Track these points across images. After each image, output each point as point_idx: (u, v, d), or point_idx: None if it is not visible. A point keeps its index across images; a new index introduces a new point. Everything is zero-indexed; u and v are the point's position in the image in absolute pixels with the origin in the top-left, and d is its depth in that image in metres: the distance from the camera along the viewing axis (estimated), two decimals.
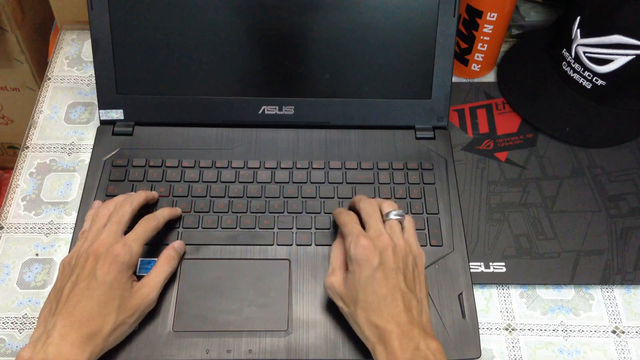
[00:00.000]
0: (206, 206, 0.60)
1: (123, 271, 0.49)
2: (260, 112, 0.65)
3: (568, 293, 0.59)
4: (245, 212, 0.60)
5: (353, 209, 0.56)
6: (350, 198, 0.61)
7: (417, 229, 0.59)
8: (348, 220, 0.52)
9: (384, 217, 0.53)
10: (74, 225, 0.59)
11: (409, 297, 0.47)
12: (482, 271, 0.59)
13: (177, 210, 0.58)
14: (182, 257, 0.56)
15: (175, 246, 0.55)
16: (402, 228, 0.52)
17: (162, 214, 0.55)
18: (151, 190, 0.60)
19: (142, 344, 0.52)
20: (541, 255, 0.60)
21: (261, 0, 0.61)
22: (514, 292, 0.59)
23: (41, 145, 0.68)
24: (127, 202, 0.54)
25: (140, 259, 0.56)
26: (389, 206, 0.54)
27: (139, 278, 0.52)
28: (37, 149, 0.67)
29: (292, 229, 0.59)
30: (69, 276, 0.49)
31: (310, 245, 0.58)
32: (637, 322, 0.57)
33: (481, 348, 0.53)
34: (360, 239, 0.49)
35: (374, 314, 0.47)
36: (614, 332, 0.57)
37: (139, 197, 0.55)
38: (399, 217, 0.52)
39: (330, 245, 0.58)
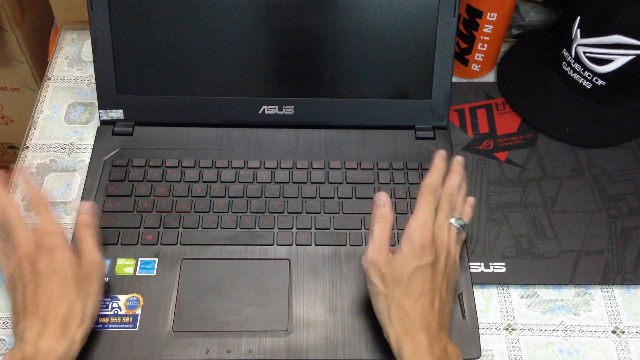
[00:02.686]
0: (206, 206, 0.60)
1: (60, 253, 0.49)
2: (260, 112, 0.65)
3: (568, 293, 0.59)
4: (245, 212, 0.60)
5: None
6: (351, 198, 0.61)
7: None
8: (430, 201, 0.51)
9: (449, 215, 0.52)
10: (74, 225, 0.59)
11: (444, 302, 0.48)
12: (482, 271, 0.59)
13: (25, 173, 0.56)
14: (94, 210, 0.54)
15: (81, 210, 0.53)
16: (458, 238, 0.52)
17: (33, 192, 0.53)
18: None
19: (142, 344, 0.52)
20: (541, 255, 0.60)
21: (261, 0, 0.61)
22: (514, 292, 0.59)
23: (41, 145, 0.68)
24: (2, 205, 0.51)
25: (140, 259, 0.56)
26: (457, 211, 0.53)
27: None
28: (37, 149, 0.67)
29: (292, 229, 0.59)
30: (16, 290, 0.49)
31: (310, 245, 0.58)
32: (637, 322, 0.57)
33: (481, 348, 0.53)
34: (429, 229, 0.49)
35: (410, 303, 0.47)
36: (614, 332, 0.57)
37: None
38: (460, 228, 0.52)
39: (330, 245, 0.58)
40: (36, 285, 0.48)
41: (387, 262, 0.48)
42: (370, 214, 0.59)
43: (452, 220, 0.51)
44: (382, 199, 0.51)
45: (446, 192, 0.52)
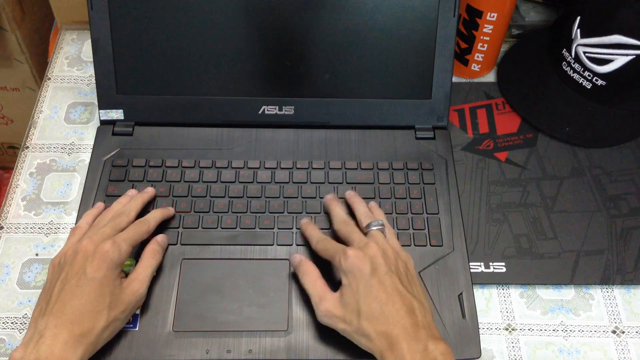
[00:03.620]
0: (206, 206, 0.60)
1: (112, 269, 0.49)
2: (260, 112, 0.65)
3: (568, 293, 0.59)
4: (245, 212, 0.60)
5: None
6: None
7: (417, 229, 0.59)
8: (327, 244, 0.52)
9: (364, 230, 0.53)
10: (73, 225, 0.59)
11: (409, 299, 0.47)
12: (482, 271, 0.59)
13: (169, 211, 0.58)
14: (165, 251, 0.56)
15: (158, 240, 0.55)
16: (384, 236, 0.53)
17: (153, 217, 0.56)
18: (150, 189, 0.60)
19: (142, 344, 0.52)
20: (541, 255, 0.60)
21: (261, 0, 0.61)
22: (514, 292, 0.59)
23: (41, 145, 0.68)
24: (124, 214, 0.54)
25: None
26: (366, 218, 0.54)
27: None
28: (37, 149, 0.67)
29: (292, 229, 0.59)
30: (57, 275, 0.49)
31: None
32: (637, 322, 0.57)
33: (481, 348, 0.53)
34: (348, 251, 0.49)
35: (379, 322, 0.46)
36: (614, 332, 0.57)
37: (136, 206, 0.56)
38: (379, 227, 0.53)
39: None
40: (76, 284, 0.48)
41: (336, 303, 0.49)
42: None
43: (370, 227, 0.53)
44: (296, 258, 0.53)
45: (337, 222, 0.55)
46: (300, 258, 0.53)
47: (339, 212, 0.56)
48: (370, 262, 0.48)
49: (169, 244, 0.57)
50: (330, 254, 0.51)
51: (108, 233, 0.51)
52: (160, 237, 0.56)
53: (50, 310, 0.47)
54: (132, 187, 0.61)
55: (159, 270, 0.56)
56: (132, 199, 0.57)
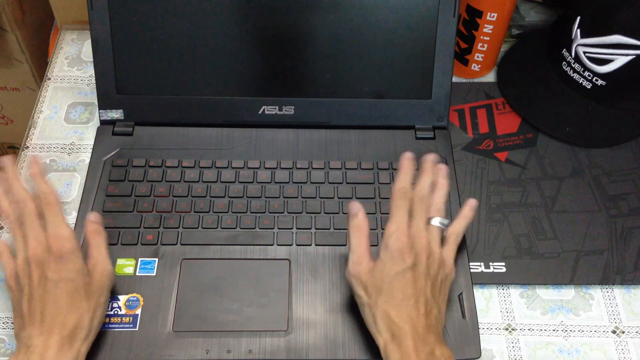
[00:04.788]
0: (206, 206, 0.60)
1: (72, 260, 0.48)
2: (260, 112, 0.65)
3: (568, 293, 0.59)
4: (245, 212, 0.60)
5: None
6: (350, 198, 0.61)
7: None
8: (402, 205, 0.50)
9: (428, 220, 0.51)
10: (74, 225, 0.59)
11: (431, 304, 0.48)
12: (482, 271, 0.59)
13: (37, 158, 0.53)
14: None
15: (91, 219, 0.52)
16: (443, 238, 0.52)
17: (38, 184, 0.51)
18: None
19: (142, 344, 0.52)
20: (541, 255, 0.60)
21: (261, 0, 0.61)
22: (514, 292, 0.59)
23: (41, 145, 0.68)
24: (22, 201, 0.50)
25: (140, 259, 0.56)
26: (436, 211, 0.52)
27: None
28: (37, 149, 0.67)
29: (292, 229, 0.59)
30: (21, 292, 0.48)
31: (310, 245, 0.58)
32: (637, 322, 0.57)
33: (481, 348, 0.53)
34: (403, 233, 0.48)
35: (394, 309, 0.46)
36: (614, 332, 0.57)
37: (18, 187, 0.51)
38: (442, 227, 0.51)
39: (330, 245, 0.58)
40: (44, 291, 0.47)
41: (367, 271, 0.49)
42: (369, 214, 0.60)
43: (433, 221, 0.51)
44: (355, 208, 0.51)
45: (417, 194, 0.51)
46: (359, 209, 0.51)
47: (408, 180, 0.51)
48: (415, 257, 0.48)
49: (168, 244, 0.58)
50: (393, 217, 0.49)
51: (38, 230, 0.49)
52: (92, 215, 0.53)
53: (30, 323, 0.46)
54: (132, 187, 0.61)
55: (159, 270, 0.56)
56: (4, 182, 0.52)
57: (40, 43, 0.96)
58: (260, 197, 0.61)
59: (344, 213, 0.60)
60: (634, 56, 0.62)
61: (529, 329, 0.57)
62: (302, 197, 0.61)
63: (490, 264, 0.59)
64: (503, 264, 0.59)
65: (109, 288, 0.50)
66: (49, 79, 0.74)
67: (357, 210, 0.51)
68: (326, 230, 0.59)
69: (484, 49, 0.70)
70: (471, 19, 0.67)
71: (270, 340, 0.53)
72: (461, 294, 0.55)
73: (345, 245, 0.58)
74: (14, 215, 0.51)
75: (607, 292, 0.59)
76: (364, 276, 0.49)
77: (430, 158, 0.54)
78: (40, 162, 0.52)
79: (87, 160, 0.65)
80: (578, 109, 0.67)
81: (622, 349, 0.56)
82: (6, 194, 0.52)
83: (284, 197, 0.61)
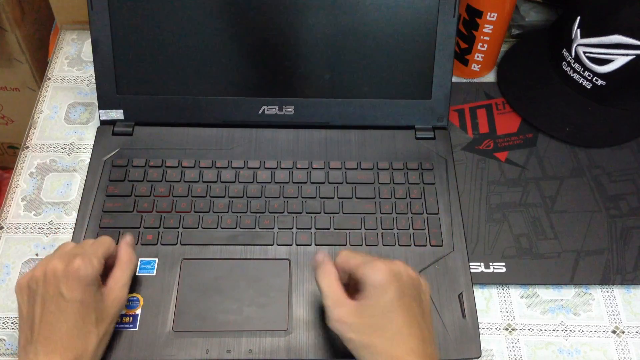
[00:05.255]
0: (206, 206, 0.60)
1: (89, 284, 0.47)
2: (260, 112, 0.65)
3: (568, 293, 0.59)
4: (245, 212, 0.60)
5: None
6: (350, 198, 0.61)
7: (417, 229, 0.59)
8: (352, 254, 0.49)
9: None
10: (74, 225, 0.59)
11: (423, 327, 0.46)
12: (482, 271, 0.59)
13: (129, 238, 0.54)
14: (134, 248, 0.54)
15: (127, 241, 0.53)
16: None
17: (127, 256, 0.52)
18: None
19: (142, 344, 0.52)
20: (541, 255, 0.60)
21: (262, 1, 0.61)
22: (514, 292, 0.59)
23: (41, 145, 0.68)
24: (92, 253, 0.50)
25: (140, 259, 0.56)
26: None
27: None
28: (37, 149, 0.67)
29: (292, 229, 0.59)
30: (33, 299, 0.47)
31: (310, 245, 0.58)
32: (637, 322, 0.57)
33: (481, 348, 0.53)
34: (378, 263, 0.46)
35: (393, 343, 0.44)
36: (614, 332, 0.57)
37: (102, 249, 0.51)
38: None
39: (330, 245, 0.58)
40: (57, 307, 0.46)
41: (353, 313, 0.46)
42: (369, 214, 0.60)
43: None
44: (319, 256, 0.49)
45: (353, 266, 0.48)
46: (324, 257, 0.49)
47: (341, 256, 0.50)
48: (398, 282, 0.46)
49: (168, 244, 0.58)
50: (354, 263, 0.47)
51: (75, 251, 0.48)
52: (127, 237, 0.53)
53: (37, 338, 0.45)
54: (132, 187, 0.61)
55: (159, 270, 0.56)
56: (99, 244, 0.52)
57: (40, 43, 0.96)
58: (260, 197, 0.61)
59: (344, 213, 0.60)
60: (634, 56, 0.62)
61: (529, 329, 0.57)
62: (302, 197, 0.61)
63: (490, 264, 0.59)
64: (503, 264, 0.59)
65: (117, 316, 0.50)
66: (49, 79, 0.74)
67: (321, 259, 0.49)
68: (326, 230, 0.59)
69: (484, 49, 0.70)
70: (471, 19, 0.67)
71: (270, 340, 0.53)
72: (461, 293, 0.55)
73: (345, 245, 0.58)
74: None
75: (607, 292, 0.59)
76: (349, 318, 0.45)
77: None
78: (132, 240, 0.54)
79: (87, 160, 0.65)
80: (578, 109, 0.67)
81: (622, 349, 0.56)
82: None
83: (284, 197, 0.61)
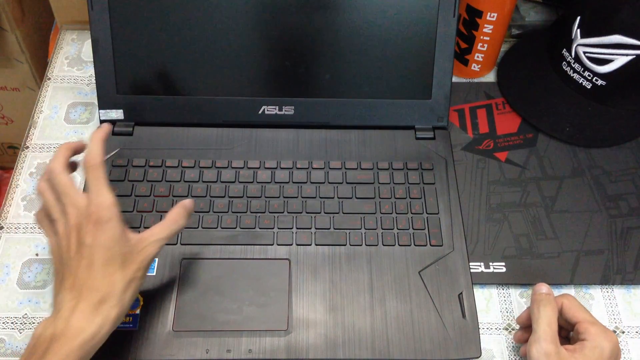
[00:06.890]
0: (206, 206, 0.60)
1: (110, 228, 0.46)
2: (260, 112, 0.65)
3: (568, 293, 0.59)
4: (245, 212, 0.60)
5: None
6: (351, 198, 0.61)
7: (417, 229, 0.59)
8: (578, 305, 0.52)
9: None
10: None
11: None
12: (482, 271, 0.59)
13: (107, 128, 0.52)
14: (190, 215, 0.52)
15: (185, 204, 0.51)
16: None
17: (94, 152, 0.49)
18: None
19: (142, 344, 0.52)
20: (541, 255, 0.60)
21: (261, 0, 0.61)
22: (514, 292, 0.59)
23: (41, 145, 0.68)
24: (55, 168, 0.49)
25: None
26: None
27: None
28: (37, 149, 0.67)
29: (292, 229, 0.59)
30: (60, 259, 0.47)
31: (310, 245, 0.58)
32: (637, 322, 0.57)
33: (481, 348, 0.53)
34: (610, 332, 0.49)
35: None
36: (614, 332, 0.57)
37: (59, 155, 0.51)
38: None
39: (330, 245, 0.58)
40: (80, 256, 0.45)
41: (562, 356, 0.48)
42: (369, 213, 0.60)
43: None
44: (544, 288, 0.52)
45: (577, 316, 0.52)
46: (549, 290, 0.52)
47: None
48: (615, 357, 0.49)
49: (168, 244, 0.57)
50: (582, 317, 0.50)
51: (75, 198, 0.47)
52: (187, 201, 0.52)
53: (65, 285, 0.45)
54: (132, 187, 0.61)
55: (159, 270, 0.56)
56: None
57: (40, 43, 0.96)
58: (260, 197, 0.61)
59: (344, 213, 0.60)
60: (634, 56, 0.62)
61: None
62: (302, 197, 0.61)
63: (490, 264, 0.59)
64: (503, 264, 0.59)
65: (146, 268, 0.48)
66: (49, 79, 0.74)
67: (548, 290, 0.52)
68: (326, 230, 0.59)
69: (484, 49, 0.70)
70: (471, 19, 0.67)
71: (270, 340, 0.53)
72: (461, 293, 0.55)
73: (345, 245, 0.58)
74: (49, 189, 0.49)
75: (607, 292, 0.59)
76: (555, 356, 0.48)
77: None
78: (109, 129, 0.51)
79: None
80: (578, 109, 0.67)
81: (622, 349, 0.56)
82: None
83: (284, 197, 0.61)
